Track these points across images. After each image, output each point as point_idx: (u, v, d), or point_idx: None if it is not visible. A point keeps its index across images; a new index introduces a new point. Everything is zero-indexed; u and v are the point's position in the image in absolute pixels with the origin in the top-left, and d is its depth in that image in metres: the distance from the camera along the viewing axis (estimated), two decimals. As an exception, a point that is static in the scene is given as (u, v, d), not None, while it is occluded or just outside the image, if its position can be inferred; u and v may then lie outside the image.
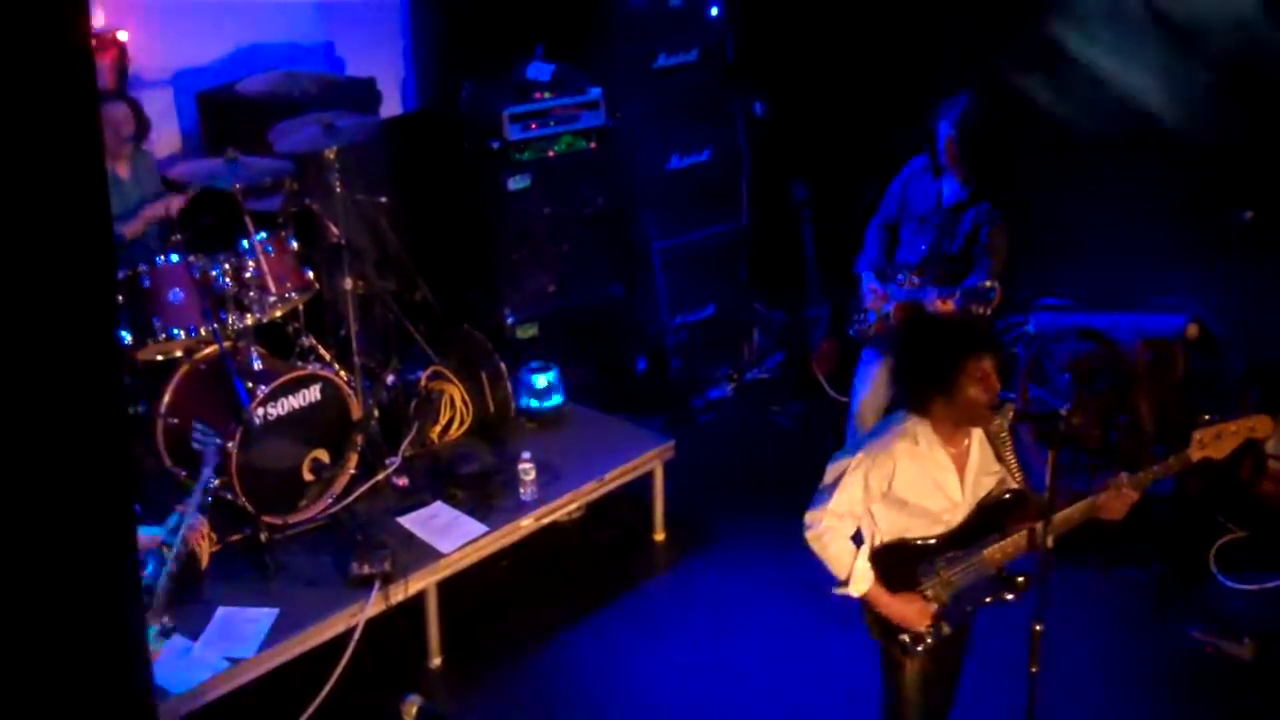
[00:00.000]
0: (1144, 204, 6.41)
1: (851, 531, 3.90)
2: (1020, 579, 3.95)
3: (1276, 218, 6.29)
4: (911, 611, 3.92)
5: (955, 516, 3.92)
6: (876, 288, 5.85)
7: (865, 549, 3.92)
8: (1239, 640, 5.30)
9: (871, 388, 6.03)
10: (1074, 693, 5.03)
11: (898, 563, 3.92)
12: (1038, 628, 3.71)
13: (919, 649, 3.97)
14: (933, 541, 3.92)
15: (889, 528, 3.93)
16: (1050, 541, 3.74)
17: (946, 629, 3.98)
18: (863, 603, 4.00)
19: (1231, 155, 6.39)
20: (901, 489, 3.85)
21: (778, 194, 7.59)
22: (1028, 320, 6.81)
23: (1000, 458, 3.90)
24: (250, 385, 5.40)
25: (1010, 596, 3.96)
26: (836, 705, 5.10)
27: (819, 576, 4.01)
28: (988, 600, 3.98)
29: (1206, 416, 3.87)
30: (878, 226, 6.01)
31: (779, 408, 7.57)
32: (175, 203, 5.83)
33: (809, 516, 3.90)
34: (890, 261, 5.92)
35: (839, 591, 3.95)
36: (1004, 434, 3.87)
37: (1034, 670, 3.72)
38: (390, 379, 6.22)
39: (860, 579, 3.89)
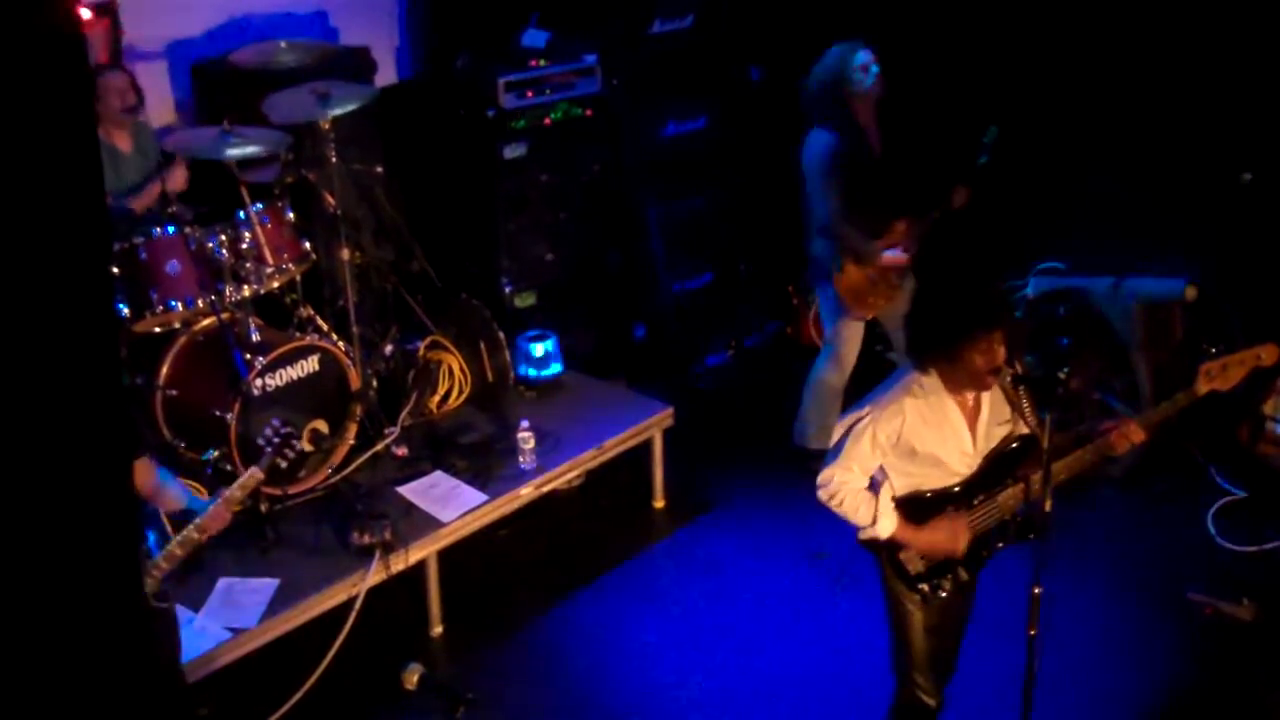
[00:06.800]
0: (1142, 166, 6.39)
1: (864, 485, 3.91)
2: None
3: (1275, 179, 6.28)
4: (944, 536, 3.92)
5: (968, 466, 3.93)
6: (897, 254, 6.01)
7: (887, 490, 3.92)
8: (1238, 601, 5.31)
9: None
10: (1073, 655, 5.05)
11: (914, 516, 3.93)
12: (1036, 590, 3.71)
13: (941, 594, 3.99)
14: (947, 492, 3.93)
15: (903, 482, 3.94)
16: (1049, 504, 3.74)
17: (965, 575, 4.01)
18: (879, 558, 4.02)
19: (1230, 116, 6.36)
20: (912, 439, 3.85)
21: (775, 160, 7.55)
22: (1026, 284, 6.82)
23: (1013, 405, 3.89)
24: (248, 356, 5.40)
25: (1019, 540, 3.99)
26: (837, 669, 5.11)
27: (819, 541, 4.02)
28: (1002, 546, 4.01)
29: (1213, 350, 3.85)
30: (841, 216, 6.00)
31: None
32: (179, 174, 5.80)
33: (821, 477, 3.92)
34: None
35: (865, 536, 3.96)
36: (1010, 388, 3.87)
37: (1033, 633, 3.73)
38: (388, 349, 6.22)
39: (886, 517, 3.89)
